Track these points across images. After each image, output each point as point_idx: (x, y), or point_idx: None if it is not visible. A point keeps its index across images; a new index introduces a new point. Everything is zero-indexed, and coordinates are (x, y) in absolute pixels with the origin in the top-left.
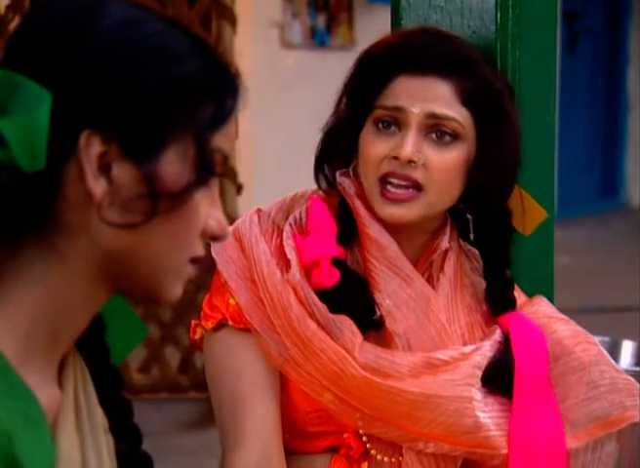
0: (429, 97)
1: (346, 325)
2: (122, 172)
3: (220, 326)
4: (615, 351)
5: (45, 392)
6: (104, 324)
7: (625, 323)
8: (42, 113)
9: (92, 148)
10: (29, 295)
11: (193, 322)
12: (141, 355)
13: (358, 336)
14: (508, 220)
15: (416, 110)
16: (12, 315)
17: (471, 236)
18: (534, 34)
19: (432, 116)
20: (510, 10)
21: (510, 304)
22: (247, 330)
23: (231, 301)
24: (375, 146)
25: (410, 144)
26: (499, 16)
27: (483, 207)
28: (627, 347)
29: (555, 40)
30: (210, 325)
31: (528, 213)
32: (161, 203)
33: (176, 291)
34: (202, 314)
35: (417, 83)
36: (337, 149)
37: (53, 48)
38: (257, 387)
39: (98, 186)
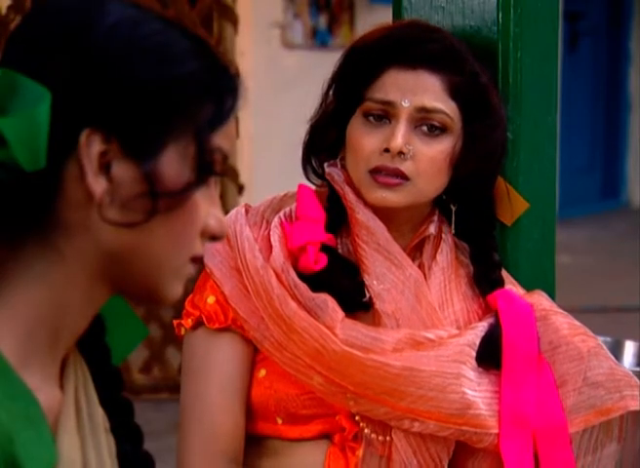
0: (419, 90)
1: (328, 303)
2: (122, 170)
3: (198, 324)
4: (617, 351)
5: (45, 393)
6: (105, 324)
7: (627, 323)
8: (42, 112)
9: (92, 147)
10: (29, 295)
11: (176, 321)
12: (143, 355)
13: (339, 314)
14: (492, 208)
15: (406, 104)
16: (12, 315)
17: (452, 227)
18: (535, 34)
19: (422, 109)
20: (512, 10)
21: (498, 283)
22: (220, 330)
23: (209, 300)
24: (365, 139)
25: (400, 136)
26: (500, 16)
27: (467, 197)
28: (629, 347)
29: (556, 40)
30: (189, 323)
31: (512, 203)
32: (161, 202)
33: (176, 290)
34: (184, 312)
35: (407, 76)
36: (324, 140)
37: (53, 47)
38: (227, 391)
39: (98, 185)
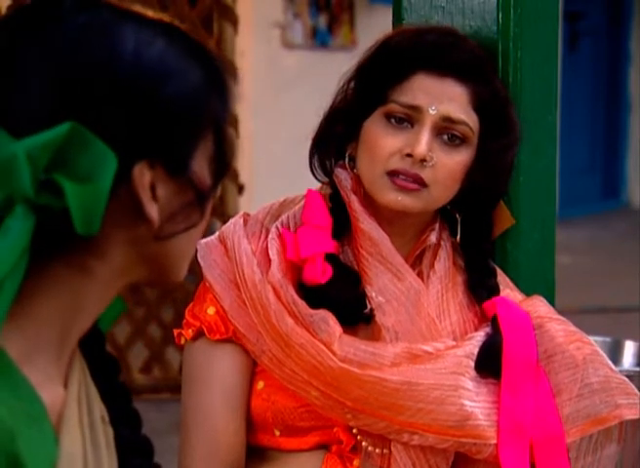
0: (445, 98)
1: (326, 319)
2: (166, 188)
3: (199, 334)
4: (616, 351)
5: (49, 390)
6: None
7: (627, 323)
8: (106, 180)
9: (144, 178)
10: (46, 304)
11: (176, 330)
12: (143, 355)
13: (337, 330)
14: (491, 216)
15: (433, 112)
16: (22, 317)
17: (458, 238)
18: (535, 34)
19: (447, 119)
20: (512, 10)
21: (494, 290)
22: (221, 341)
23: (209, 311)
24: (385, 140)
25: (425, 143)
26: (500, 16)
27: (473, 208)
28: (629, 348)
29: (557, 40)
30: (190, 333)
31: (500, 218)
32: (206, 203)
33: (184, 271)
34: (184, 322)
35: (435, 83)
36: (333, 134)
37: (89, 93)
38: (228, 402)
39: (153, 211)
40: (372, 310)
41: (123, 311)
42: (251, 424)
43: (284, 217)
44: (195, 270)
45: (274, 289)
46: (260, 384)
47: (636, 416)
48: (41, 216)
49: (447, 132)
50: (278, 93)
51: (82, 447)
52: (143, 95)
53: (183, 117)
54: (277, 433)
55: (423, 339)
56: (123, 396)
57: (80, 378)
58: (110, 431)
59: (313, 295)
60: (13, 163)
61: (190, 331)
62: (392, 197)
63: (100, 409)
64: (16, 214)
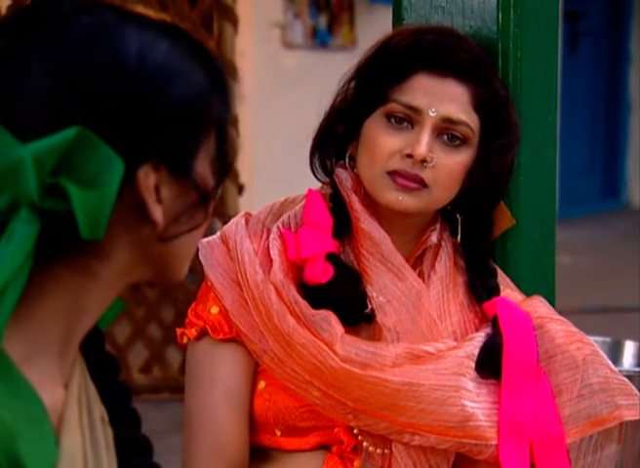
0: (446, 99)
1: (328, 319)
2: (169, 190)
3: (202, 334)
4: (616, 351)
5: (49, 391)
6: None
7: (627, 323)
8: (113, 187)
9: (149, 180)
10: (48, 306)
11: (179, 330)
12: (143, 355)
13: (339, 330)
14: (491, 217)
15: (432, 114)
16: (24, 319)
17: (459, 238)
18: (535, 34)
19: (448, 120)
20: (512, 10)
21: (494, 291)
22: (224, 340)
23: (212, 310)
24: (385, 140)
25: (425, 144)
26: (500, 16)
27: (473, 209)
28: (629, 347)
29: (556, 40)
30: (194, 333)
31: (500, 218)
32: (210, 202)
33: (186, 270)
34: (187, 321)
35: (435, 83)
36: (333, 134)
37: (94, 95)
38: (232, 401)
39: (157, 213)
40: (373, 310)
41: (122, 311)
42: (252, 424)
43: (285, 217)
44: (196, 269)
45: (276, 288)
46: (262, 384)
47: (636, 417)
48: (46, 220)
49: (447, 132)
50: (278, 93)
51: (82, 447)
52: (148, 97)
53: (188, 118)
54: (278, 433)
55: (424, 340)
56: (123, 396)
57: (80, 379)
58: (110, 431)
59: (314, 295)
60: (19, 167)
61: (194, 330)
62: (393, 197)
63: (99, 409)
64: (20, 218)
